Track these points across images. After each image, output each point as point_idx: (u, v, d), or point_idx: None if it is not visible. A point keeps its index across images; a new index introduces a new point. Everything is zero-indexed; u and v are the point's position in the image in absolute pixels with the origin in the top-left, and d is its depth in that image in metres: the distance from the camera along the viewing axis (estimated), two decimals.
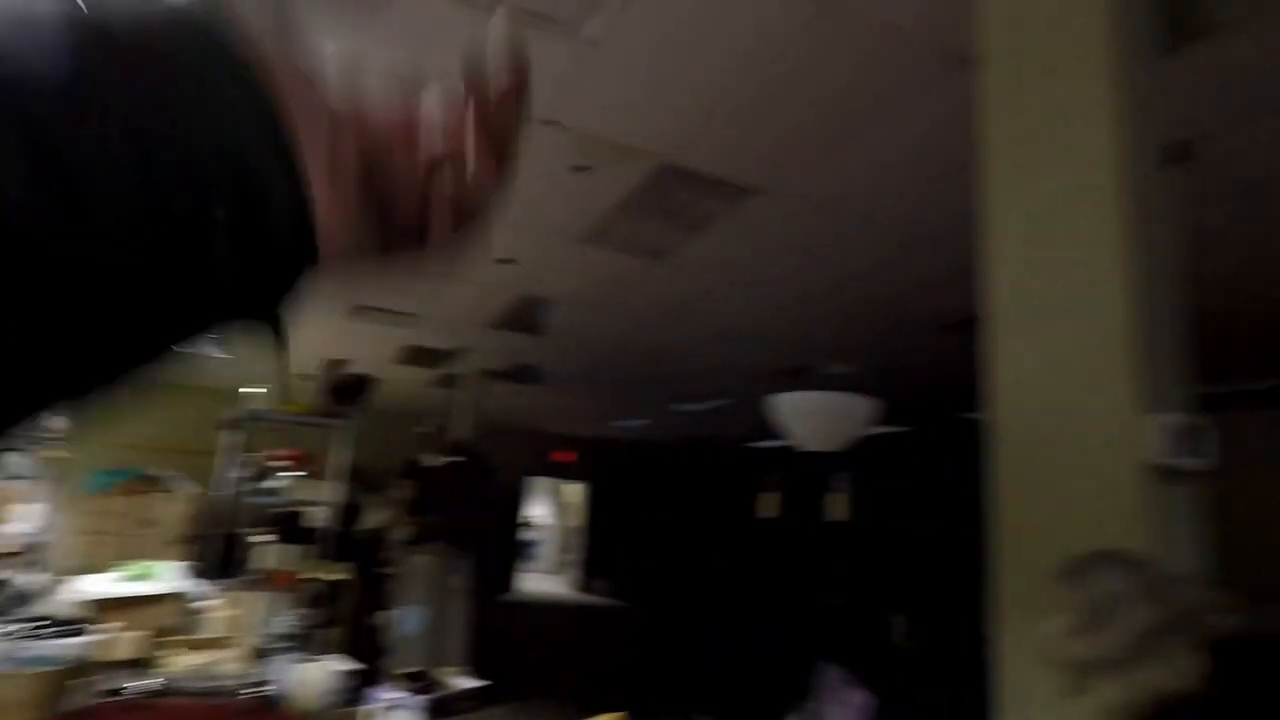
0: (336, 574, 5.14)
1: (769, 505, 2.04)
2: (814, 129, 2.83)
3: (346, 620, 4.73)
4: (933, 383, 6.67)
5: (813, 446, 1.45)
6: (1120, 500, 1.44)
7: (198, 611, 3.38)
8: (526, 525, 14.19)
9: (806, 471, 1.78)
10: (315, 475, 4.86)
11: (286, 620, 3.70)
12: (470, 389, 7.75)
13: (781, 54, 2.41)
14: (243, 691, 0.84)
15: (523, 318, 5.85)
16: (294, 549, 4.34)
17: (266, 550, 4.35)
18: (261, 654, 2.01)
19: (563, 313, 5.63)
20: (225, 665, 1.71)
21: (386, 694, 1.78)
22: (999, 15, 1.89)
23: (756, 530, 14.51)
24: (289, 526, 4.43)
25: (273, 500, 4.39)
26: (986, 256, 1.80)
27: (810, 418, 1.45)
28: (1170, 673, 0.92)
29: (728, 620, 3.46)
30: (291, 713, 0.86)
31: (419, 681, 1.97)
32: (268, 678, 0.96)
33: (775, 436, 10.64)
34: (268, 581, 4.14)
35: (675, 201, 3.55)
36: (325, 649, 3.83)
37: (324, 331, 6.59)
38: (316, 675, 1.55)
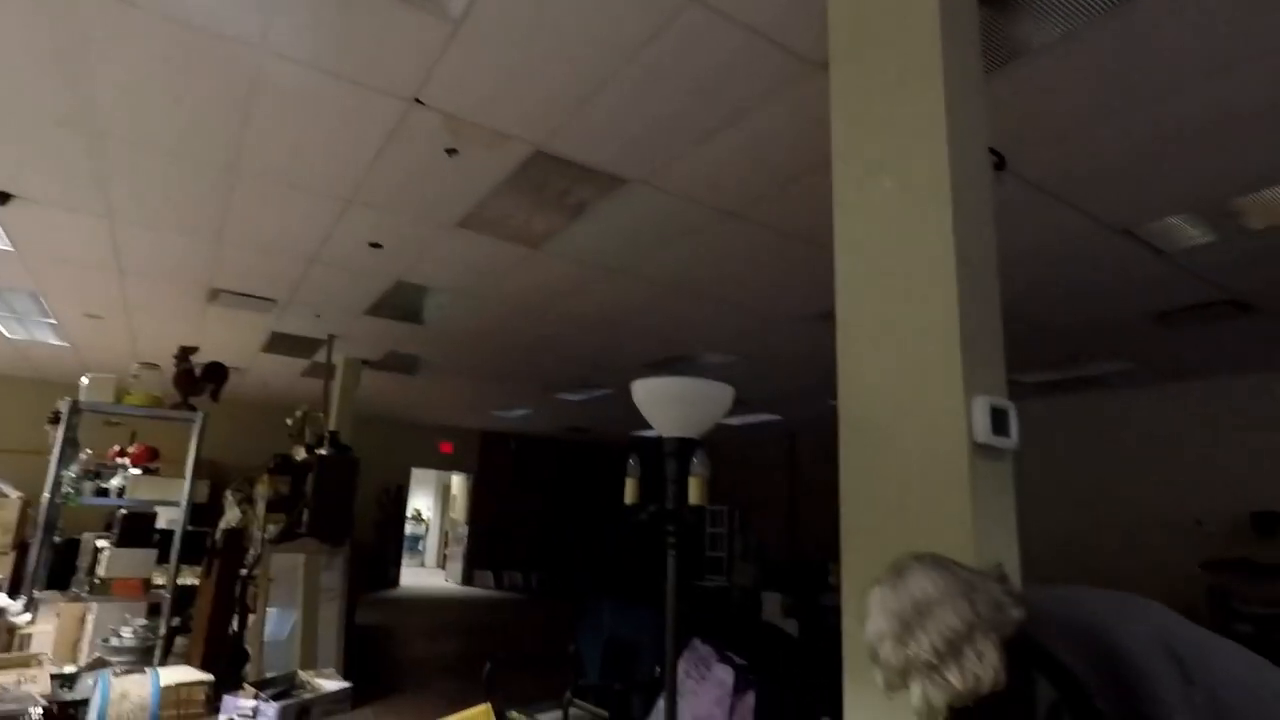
0: (189, 578, 4.78)
1: (630, 491, 2.10)
2: (684, 119, 2.89)
3: (201, 627, 4.41)
4: (805, 371, 7.03)
5: (670, 432, 1.50)
6: (950, 475, 1.57)
7: (14, 628, 3.05)
8: (408, 519, 13.75)
9: (670, 455, 1.83)
10: (164, 473, 4.49)
11: (128, 631, 3.41)
12: (343, 378, 7.39)
13: (653, 40, 2.44)
14: (38, 712, 0.75)
15: (399, 305, 5.64)
16: (140, 553, 3.99)
17: (109, 555, 3.97)
18: (90, 668, 1.84)
19: (440, 300, 5.47)
20: (32, 685, 1.55)
21: (244, 702, 1.68)
22: (842, 24, 2.01)
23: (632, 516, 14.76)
24: (134, 529, 4.06)
25: (115, 501, 4.01)
26: (837, 251, 1.91)
27: (667, 403, 1.50)
28: (979, 670, 1.01)
29: (609, 602, 3.52)
30: None
31: (280, 686, 1.87)
32: (78, 696, 0.87)
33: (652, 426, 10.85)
34: (109, 590, 3.79)
35: (550, 189, 3.53)
36: (174, 659, 3.56)
37: (182, 317, 6.08)
38: (138, 687, 1.43)
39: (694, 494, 1.56)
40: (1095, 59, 2.39)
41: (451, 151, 3.18)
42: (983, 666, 1.00)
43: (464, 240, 4.23)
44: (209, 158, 3.34)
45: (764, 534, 11.15)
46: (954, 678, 1.00)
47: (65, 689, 1.52)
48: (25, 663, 1.64)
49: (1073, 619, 1.01)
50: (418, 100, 2.81)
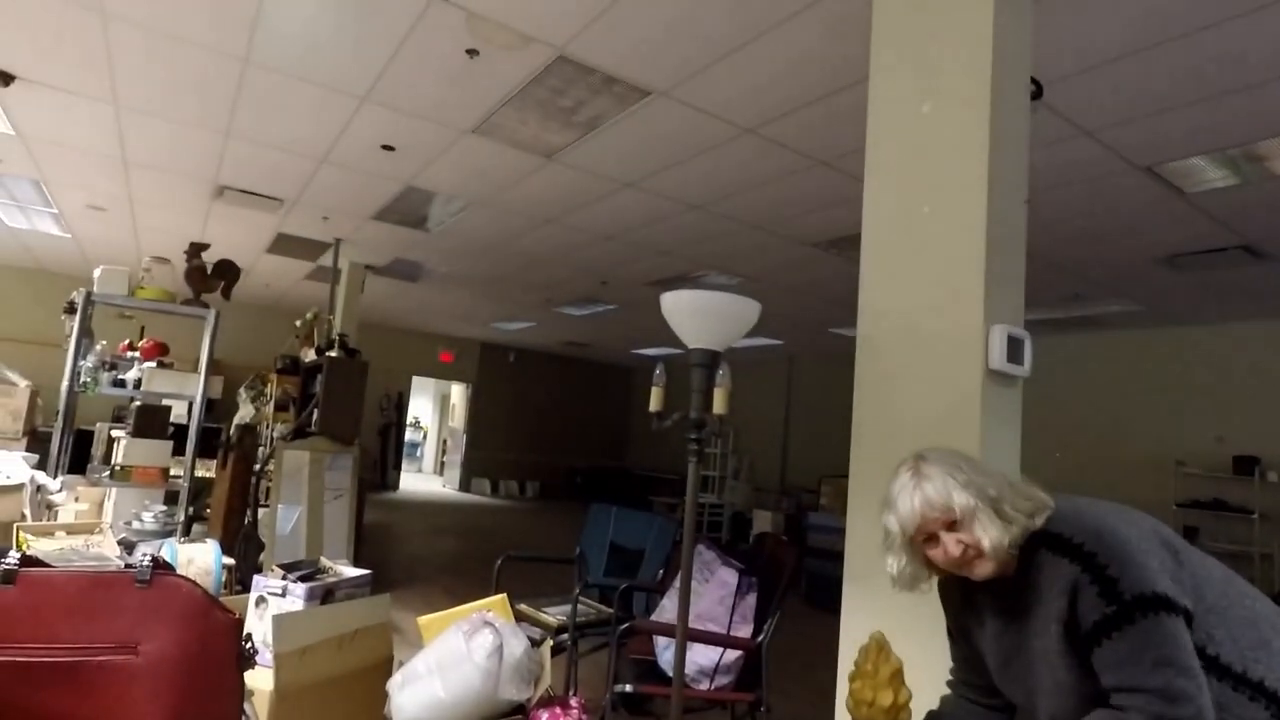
0: (205, 471, 4.93)
1: (656, 399, 2.16)
2: (715, 30, 2.81)
3: (218, 518, 4.59)
4: (809, 299, 7.06)
5: (696, 344, 1.55)
6: (963, 401, 1.64)
7: (52, 504, 3.17)
8: (409, 425, 14.02)
9: (696, 366, 1.89)
10: (176, 368, 4.56)
11: (149, 515, 3.55)
12: (348, 283, 7.38)
13: None
14: (140, 564, 0.84)
15: (407, 211, 5.58)
16: (156, 444, 4.10)
17: (126, 444, 4.09)
18: (130, 544, 1.95)
19: (449, 208, 5.42)
20: (102, 547, 1.66)
21: (273, 581, 1.79)
22: None
23: (639, 428, 15.08)
24: (150, 420, 4.16)
25: (131, 393, 4.09)
26: (867, 172, 1.92)
27: (695, 315, 1.54)
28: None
29: (615, 509, 3.67)
30: (193, 583, 0.87)
31: (304, 569, 1.99)
32: (152, 554, 0.95)
33: (655, 344, 10.97)
34: (130, 476, 3.92)
35: (569, 98, 3.45)
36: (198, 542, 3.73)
37: (187, 213, 6.02)
38: (203, 553, 1.53)
39: (719, 404, 1.63)
40: None
41: (472, 52, 3.10)
42: (1020, 510, 1.11)
43: (477, 147, 4.16)
44: (220, 46, 3.24)
45: (757, 456, 11.43)
46: (1009, 509, 1.10)
47: (126, 552, 1.63)
48: (89, 529, 1.75)
49: (1081, 514, 1.11)
50: None
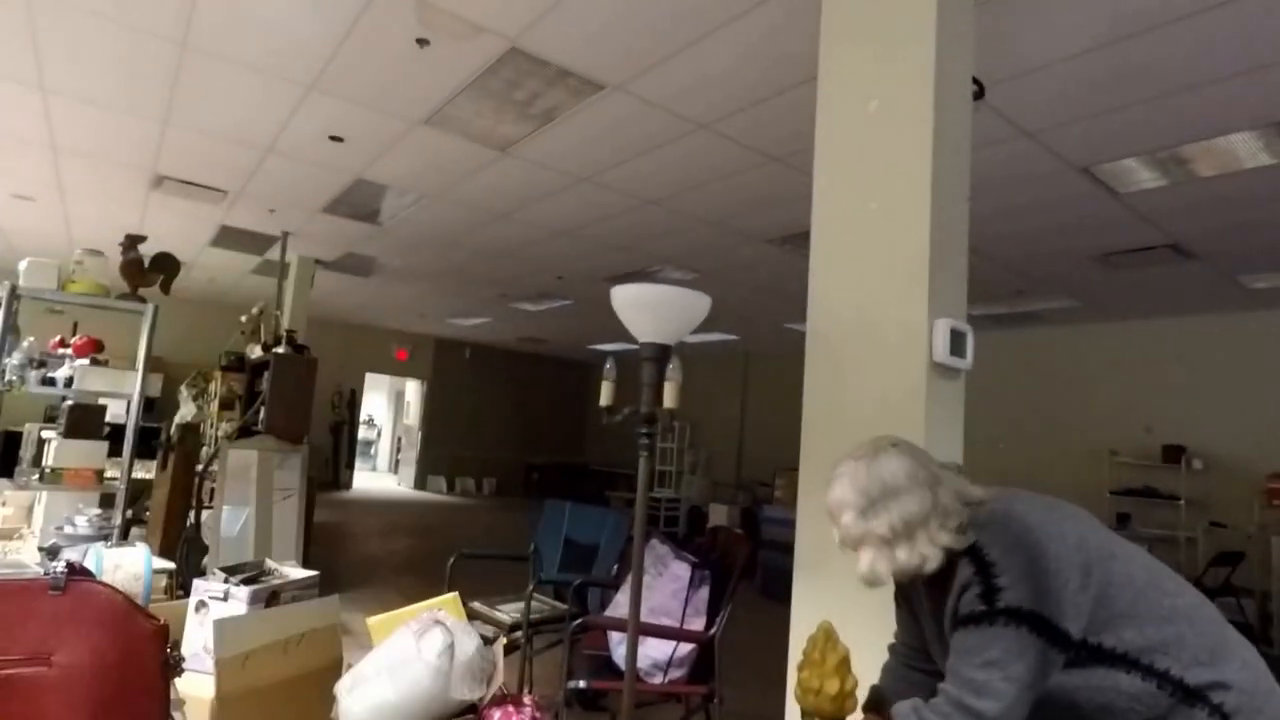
0: (141, 472, 4.75)
1: (606, 394, 2.14)
2: (663, 25, 2.81)
3: (158, 521, 4.42)
4: (763, 294, 7.14)
5: (647, 337, 1.56)
6: (908, 390, 1.68)
7: None
8: (362, 423, 13.73)
9: (647, 360, 1.88)
10: (112, 365, 4.37)
11: (83, 519, 3.40)
12: (297, 278, 7.19)
13: None
14: (51, 572, 0.79)
15: (357, 204, 5.45)
16: (90, 445, 3.93)
17: (57, 446, 3.90)
18: (55, 550, 1.86)
19: (401, 201, 5.31)
20: (21, 554, 1.57)
21: (214, 585, 1.74)
22: None
23: (596, 424, 15.06)
24: (83, 420, 3.98)
25: (63, 391, 3.91)
26: (816, 168, 1.94)
27: (646, 309, 1.54)
28: (926, 551, 1.13)
29: (568, 505, 3.66)
30: (113, 589, 0.83)
31: (248, 571, 1.93)
32: (76, 561, 0.91)
33: (612, 339, 10.97)
34: (61, 479, 3.75)
35: (522, 90, 3.42)
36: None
37: (122, 204, 5.77)
38: (132, 558, 1.47)
39: (669, 398, 1.64)
40: None
41: (422, 42, 3.04)
42: (931, 550, 1.13)
43: (430, 139, 4.09)
44: (155, 29, 3.11)
45: (713, 450, 11.53)
46: (903, 555, 1.13)
47: (48, 559, 1.55)
48: (8, 535, 1.65)
49: (1008, 525, 1.14)
50: None
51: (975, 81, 1.93)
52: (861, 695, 1.34)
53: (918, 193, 1.69)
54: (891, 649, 1.43)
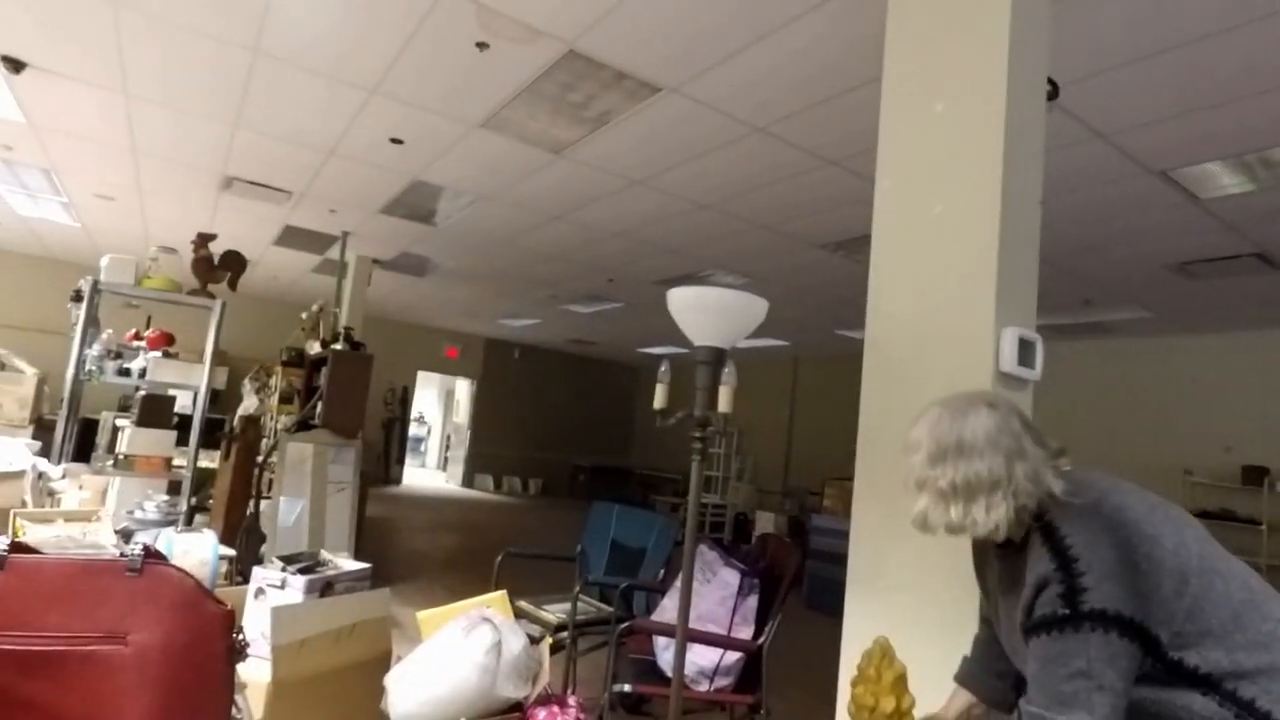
0: (207, 461, 4.93)
1: (660, 397, 2.13)
2: (720, 28, 2.79)
3: (220, 509, 4.59)
4: (815, 300, 7.03)
5: (702, 340, 1.53)
6: None
7: (54, 492, 3.17)
8: (413, 420, 14.04)
9: (702, 364, 1.87)
10: (181, 358, 4.56)
11: (151, 505, 3.55)
12: (355, 277, 7.39)
13: None
14: (131, 553, 0.82)
15: (414, 204, 5.58)
16: (160, 433, 4.10)
17: (130, 434, 4.09)
18: (128, 533, 1.94)
19: (456, 202, 5.41)
20: (98, 536, 1.65)
21: (273, 574, 1.78)
22: None
23: (643, 427, 15.07)
24: (154, 410, 4.16)
25: (136, 382, 4.09)
26: (879, 173, 1.89)
27: (702, 312, 1.52)
28: (980, 518, 1.09)
29: (617, 507, 3.66)
30: (185, 574, 0.86)
31: (305, 561, 1.98)
32: (149, 544, 0.94)
33: (661, 343, 10.94)
34: (133, 465, 3.92)
35: (578, 92, 3.43)
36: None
37: (195, 204, 6.03)
38: (200, 544, 1.52)
39: (723, 402, 1.61)
40: None
41: (482, 45, 3.08)
42: (986, 518, 1.09)
43: (486, 141, 4.15)
44: (229, 36, 3.24)
45: (760, 457, 11.40)
46: (955, 514, 1.11)
47: (123, 541, 1.62)
48: (86, 517, 1.74)
49: (1097, 510, 1.08)
50: None
51: (1050, 82, 1.85)
52: (919, 714, 1.30)
53: (987, 196, 1.63)
54: (984, 620, 1.39)
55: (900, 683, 1.29)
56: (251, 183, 5.34)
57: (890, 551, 1.67)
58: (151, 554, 0.93)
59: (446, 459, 15.10)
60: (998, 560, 1.21)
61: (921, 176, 1.78)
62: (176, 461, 4.14)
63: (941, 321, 1.69)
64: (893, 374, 1.78)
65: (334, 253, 7.06)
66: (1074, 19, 2.48)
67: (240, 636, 0.98)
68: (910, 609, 1.38)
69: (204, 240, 4.19)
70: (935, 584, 1.56)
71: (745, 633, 2.48)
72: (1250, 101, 2.88)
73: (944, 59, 1.78)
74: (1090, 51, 2.66)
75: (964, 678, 1.36)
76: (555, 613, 2.99)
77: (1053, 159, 3.44)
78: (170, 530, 1.53)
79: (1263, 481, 6.19)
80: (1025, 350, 1.63)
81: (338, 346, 5.11)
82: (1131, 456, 7.08)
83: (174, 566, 0.94)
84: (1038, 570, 1.06)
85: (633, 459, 14.76)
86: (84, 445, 4.88)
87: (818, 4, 2.57)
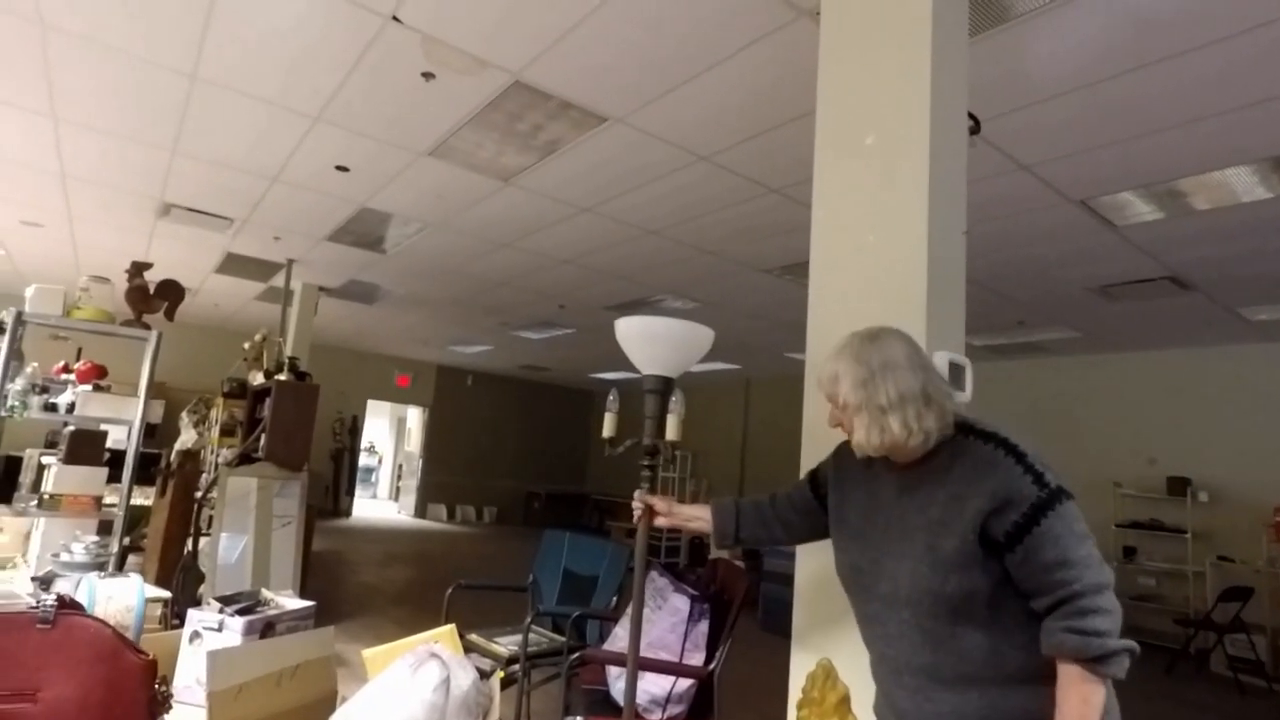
0: (140, 498, 4.73)
1: (609, 425, 2.14)
2: (664, 60, 2.87)
3: (155, 548, 4.39)
4: (764, 323, 7.16)
5: (650, 370, 1.56)
6: None
7: None
8: (363, 450, 13.68)
9: (650, 392, 1.89)
10: (115, 391, 4.38)
11: (80, 546, 3.38)
12: (301, 305, 7.22)
13: None
14: (42, 604, 0.78)
15: (362, 232, 5.51)
16: (90, 471, 3.91)
17: (57, 472, 3.89)
18: (49, 580, 1.84)
19: (405, 229, 5.36)
20: (13, 584, 1.56)
21: (208, 616, 1.72)
22: None
23: (597, 453, 15.00)
24: (83, 446, 3.98)
25: (65, 417, 3.91)
26: (815, 201, 1.96)
27: (649, 342, 1.55)
28: (914, 425, 1.18)
29: (568, 535, 3.63)
30: (102, 623, 0.82)
31: (244, 602, 1.91)
32: (67, 593, 0.90)
33: (614, 368, 10.96)
34: (59, 505, 3.73)
35: (525, 122, 3.47)
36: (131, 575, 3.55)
37: (130, 231, 5.83)
38: (125, 589, 1.45)
39: (671, 431, 1.63)
40: (1079, 27, 2.45)
41: (428, 76, 3.09)
42: (919, 426, 1.17)
43: (434, 169, 4.14)
44: (165, 61, 3.18)
45: (715, 479, 11.46)
46: (896, 425, 1.17)
47: (41, 589, 1.54)
48: (2, 564, 1.64)
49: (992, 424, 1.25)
50: (395, 18, 2.72)
51: (971, 116, 1.96)
52: None
53: (914, 226, 1.71)
54: (759, 502, 1.55)
55: (844, 704, 1.31)
56: (191, 209, 5.20)
57: (835, 574, 1.71)
58: (66, 604, 0.89)
59: (399, 489, 14.74)
60: (895, 480, 1.27)
61: (854, 207, 1.86)
62: (108, 500, 3.96)
63: None
64: None
65: (278, 280, 6.90)
66: (993, 59, 2.62)
67: (163, 688, 0.94)
68: (854, 629, 1.41)
69: (139, 269, 4.05)
70: None
71: (697, 659, 2.48)
72: (1158, 135, 3.08)
73: (872, 94, 1.87)
74: (1010, 88, 2.82)
75: (724, 510, 1.54)
76: (507, 645, 2.95)
77: (979, 189, 3.63)
78: (93, 575, 1.46)
79: (1186, 491, 6.50)
80: (955, 373, 1.70)
81: (282, 376, 4.99)
82: (1064, 469, 7.20)
83: (90, 616, 0.90)
84: (985, 460, 1.17)
85: (588, 485, 14.67)
86: (6, 484, 4.63)
87: (757, 38, 2.67)
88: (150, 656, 0.93)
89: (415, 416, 14.07)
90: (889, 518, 1.27)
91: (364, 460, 14.52)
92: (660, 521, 1.61)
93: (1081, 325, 6.29)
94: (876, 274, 1.78)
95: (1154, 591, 6.77)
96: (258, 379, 5.48)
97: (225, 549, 4.48)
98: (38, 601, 0.92)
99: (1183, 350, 6.83)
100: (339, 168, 4.23)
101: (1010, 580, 1.14)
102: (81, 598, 1.31)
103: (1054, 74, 2.71)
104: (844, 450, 1.42)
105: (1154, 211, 3.82)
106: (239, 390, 6.11)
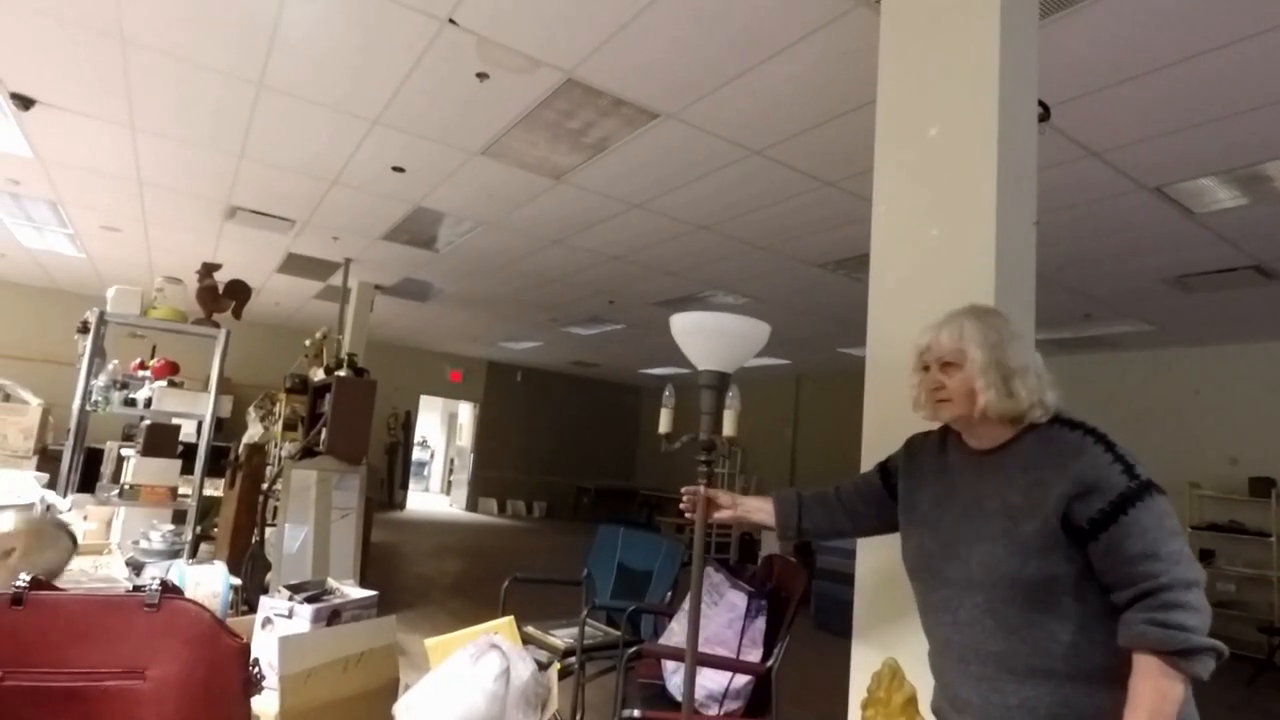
0: (212, 490, 4.94)
1: (665, 421, 2.15)
2: (717, 55, 2.84)
3: (225, 537, 4.59)
4: (815, 318, 7.05)
5: (705, 365, 1.55)
6: None
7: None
8: (416, 444, 14.02)
9: (706, 388, 1.88)
10: (186, 387, 4.58)
11: (157, 535, 3.55)
12: (358, 303, 7.43)
13: None
14: (148, 587, 0.83)
15: (416, 231, 5.63)
16: (166, 463, 4.11)
17: (135, 463, 4.10)
18: (138, 565, 1.94)
19: (458, 228, 5.46)
20: (110, 569, 1.65)
21: (279, 603, 1.79)
22: None
23: (646, 448, 15.03)
24: (159, 439, 4.18)
25: (142, 411, 4.11)
26: (875, 196, 1.92)
27: (705, 337, 1.54)
28: (1028, 390, 1.18)
29: (622, 530, 3.66)
30: (201, 607, 0.87)
31: (311, 590, 1.98)
32: (164, 578, 0.95)
33: (663, 364, 10.96)
34: (138, 495, 3.93)
35: (577, 120, 3.49)
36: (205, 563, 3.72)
37: (200, 234, 6.09)
38: (211, 576, 1.53)
39: (728, 426, 1.62)
40: (1158, 5, 2.33)
41: (482, 76, 3.14)
42: (1040, 396, 1.18)
43: (487, 168, 4.20)
44: (235, 70, 3.30)
45: (764, 475, 11.37)
46: (1021, 389, 1.16)
47: (134, 573, 1.62)
48: (97, 550, 1.74)
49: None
50: (451, 20, 2.76)
51: (1040, 104, 1.88)
52: None
53: (982, 218, 1.66)
54: (821, 494, 1.55)
55: (911, 705, 1.29)
56: (255, 212, 5.40)
57: (898, 570, 1.67)
58: (168, 588, 0.94)
59: (450, 483, 15.06)
60: (973, 466, 1.25)
61: (917, 200, 1.81)
62: (181, 490, 4.15)
63: None
64: (894, 395, 1.79)
65: (336, 279, 7.11)
66: (1063, 42, 2.52)
67: (255, 669, 0.99)
68: (919, 628, 1.38)
69: (209, 270, 4.23)
70: None
71: (754, 655, 2.46)
72: (1240, 118, 2.92)
73: (936, 84, 1.82)
74: (1080, 72, 2.71)
75: (787, 501, 1.54)
76: (563, 638, 2.98)
77: (1047, 177, 3.50)
78: (180, 562, 1.54)
79: (1270, 493, 6.16)
80: None
81: (341, 373, 5.14)
82: None
83: (190, 600, 0.95)
84: (1072, 446, 1.14)
85: (637, 480, 14.71)
86: (89, 476, 4.88)
87: (812, 30, 2.62)
88: (244, 639, 0.97)
89: (466, 412, 14.34)
90: (965, 503, 1.24)
91: (417, 454, 14.87)
92: (722, 515, 1.60)
93: (1155, 318, 6.01)
94: (941, 268, 1.73)
95: (1234, 598, 6.43)
96: (318, 375, 5.66)
97: (288, 539, 4.64)
98: (144, 585, 0.97)
99: (1266, 343, 6.46)
100: (395, 169, 4.33)
101: (1094, 573, 1.09)
102: (174, 580, 1.37)
103: (1125, 57, 2.59)
104: (916, 440, 1.41)
105: (1236, 197, 3.62)
106: (300, 386, 6.32)
